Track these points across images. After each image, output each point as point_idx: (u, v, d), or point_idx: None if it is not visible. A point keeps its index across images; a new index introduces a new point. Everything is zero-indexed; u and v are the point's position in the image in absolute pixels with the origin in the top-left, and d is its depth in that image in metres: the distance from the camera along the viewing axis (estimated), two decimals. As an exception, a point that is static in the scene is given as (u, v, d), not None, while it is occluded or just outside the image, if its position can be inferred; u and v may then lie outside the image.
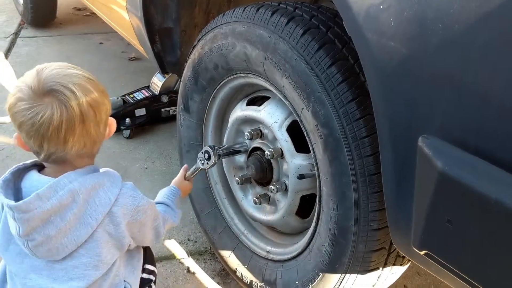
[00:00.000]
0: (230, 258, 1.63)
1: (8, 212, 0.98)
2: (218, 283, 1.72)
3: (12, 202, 0.96)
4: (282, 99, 1.29)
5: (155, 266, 1.38)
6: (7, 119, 2.48)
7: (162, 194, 1.33)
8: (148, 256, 1.34)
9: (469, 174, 0.73)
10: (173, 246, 1.87)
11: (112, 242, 1.06)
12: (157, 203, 1.27)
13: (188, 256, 1.83)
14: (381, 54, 0.85)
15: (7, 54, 3.50)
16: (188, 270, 1.77)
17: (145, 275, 1.32)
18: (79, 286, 1.03)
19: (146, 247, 1.35)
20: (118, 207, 1.03)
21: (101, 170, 1.09)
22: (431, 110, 0.80)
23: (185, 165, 1.48)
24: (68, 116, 0.96)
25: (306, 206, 1.42)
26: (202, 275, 1.75)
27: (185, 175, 1.43)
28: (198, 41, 1.50)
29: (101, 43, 3.75)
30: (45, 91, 0.96)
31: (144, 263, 1.33)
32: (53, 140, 0.98)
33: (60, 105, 0.96)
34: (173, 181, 1.42)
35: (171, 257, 1.83)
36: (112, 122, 1.10)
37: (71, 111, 0.97)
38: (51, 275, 1.04)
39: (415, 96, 0.82)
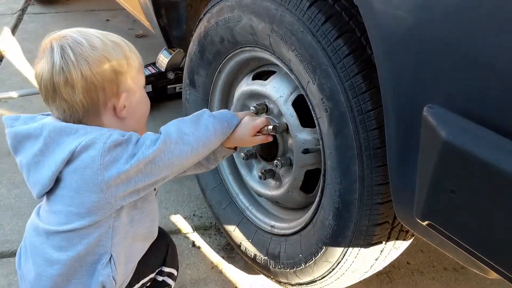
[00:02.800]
0: (235, 232, 1.64)
1: None
2: (222, 257, 1.74)
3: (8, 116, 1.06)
4: (288, 72, 1.28)
5: (176, 268, 1.32)
6: (14, 94, 2.49)
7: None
8: (169, 257, 1.30)
9: (473, 143, 0.72)
10: (179, 221, 1.89)
11: (94, 189, 0.98)
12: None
13: (193, 231, 1.85)
14: (387, 23, 0.84)
15: (13, 30, 3.50)
16: (193, 245, 1.79)
17: (160, 278, 1.28)
18: (57, 230, 1.02)
19: (169, 248, 1.30)
20: (79, 160, 0.97)
21: None
22: (436, 80, 0.79)
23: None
24: (43, 77, 1.00)
25: (310, 182, 1.42)
26: (207, 249, 1.77)
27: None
28: (204, 15, 1.49)
29: (107, 20, 3.73)
30: (41, 51, 1.02)
31: (161, 264, 1.28)
32: (42, 96, 1.04)
33: (42, 65, 1.00)
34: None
35: (176, 231, 1.84)
36: (130, 103, 1.05)
37: (46, 72, 0.99)
38: (38, 214, 1.09)
39: (421, 65, 0.81)
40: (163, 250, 1.29)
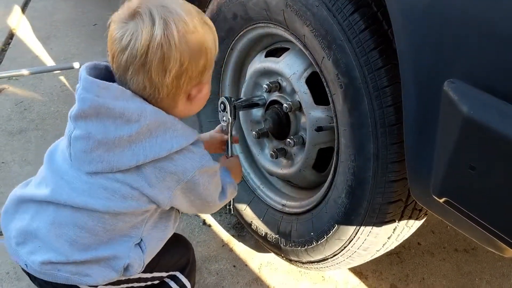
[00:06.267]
0: (246, 211, 1.64)
1: (78, 83, 0.93)
2: (233, 235, 1.74)
3: (87, 76, 0.91)
4: (302, 49, 1.26)
5: (192, 284, 1.26)
6: (25, 71, 2.49)
7: None
8: (189, 267, 1.25)
9: (495, 118, 0.71)
10: (189, 199, 1.89)
11: (165, 191, 0.97)
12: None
13: (204, 209, 1.85)
14: (408, -5, 0.82)
15: (23, 8, 3.49)
16: (204, 223, 1.79)
17: (172, 283, 1.21)
18: (94, 206, 0.95)
19: (190, 260, 1.27)
20: (172, 163, 0.94)
21: None
22: (458, 53, 0.77)
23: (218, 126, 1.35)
24: (135, 44, 0.87)
25: (322, 161, 1.41)
26: (217, 228, 1.78)
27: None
28: (217, -10, 1.46)
29: (117, -2, 3.70)
30: (132, 13, 0.89)
31: (177, 270, 1.23)
32: (116, 61, 0.91)
33: (135, 30, 0.88)
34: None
35: (187, 209, 1.85)
36: (201, 94, 0.99)
37: (140, 41, 0.87)
38: (72, 184, 0.96)
39: (442, 38, 0.79)
40: (183, 258, 1.25)
